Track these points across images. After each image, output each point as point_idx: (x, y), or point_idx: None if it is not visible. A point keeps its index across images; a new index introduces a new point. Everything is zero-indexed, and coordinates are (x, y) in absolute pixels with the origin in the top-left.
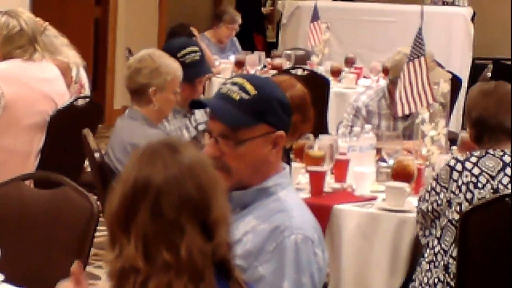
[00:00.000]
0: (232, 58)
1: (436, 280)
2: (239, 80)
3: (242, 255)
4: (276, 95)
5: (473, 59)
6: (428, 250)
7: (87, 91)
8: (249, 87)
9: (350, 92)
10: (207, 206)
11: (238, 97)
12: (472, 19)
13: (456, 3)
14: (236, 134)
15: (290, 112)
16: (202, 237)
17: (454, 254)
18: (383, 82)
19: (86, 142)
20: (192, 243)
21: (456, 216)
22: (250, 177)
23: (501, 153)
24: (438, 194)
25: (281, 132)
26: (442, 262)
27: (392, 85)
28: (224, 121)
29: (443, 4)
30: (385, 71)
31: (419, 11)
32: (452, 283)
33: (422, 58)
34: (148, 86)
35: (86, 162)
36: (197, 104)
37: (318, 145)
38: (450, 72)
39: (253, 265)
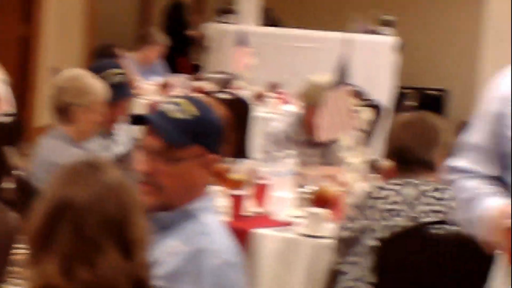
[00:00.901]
0: (157, 79)
1: None
2: (180, 100)
3: (163, 277)
4: (215, 119)
5: (399, 88)
6: (345, 277)
7: (8, 106)
8: (190, 108)
9: (273, 117)
10: (127, 226)
11: (178, 116)
12: (399, 48)
13: (381, 32)
14: (172, 152)
15: (223, 137)
16: (121, 257)
17: (371, 280)
18: None
19: (7, 159)
20: (111, 262)
21: (374, 243)
22: (179, 197)
23: (420, 182)
24: (356, 221)
25: (214, 156)
26: None
27: (305, 111)
28: (163, 138)
29: (367, 32)
30: None
31: (342, 38)
32: None
33: (344, 86)
34: (72, 106)
35: (7, 179)
36: (137, 119)
37: (239, 169)
38: (373, 100)
39: (173, 287)
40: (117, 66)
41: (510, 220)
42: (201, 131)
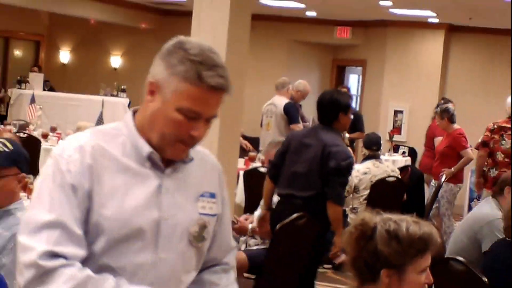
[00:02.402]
0: None
1: None
2: (1, 140)
3: None
4: (24, 151)
5: None
6: None
7: None
8: (8, 144)
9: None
10: None
11: (1, 150)
12: None
13: None
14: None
15: (27, 160)
16: None
17: None
18: None
19: None
20: None
21: None
22: (3, 201)
23: None
24: None
25: (24, 174)
26: None
27: None
28: None
29: None
30: None
31: None
32: None
33: None
34: None
35: None
36: None
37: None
38: None
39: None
40: None
41: None
42: (16, 158)
